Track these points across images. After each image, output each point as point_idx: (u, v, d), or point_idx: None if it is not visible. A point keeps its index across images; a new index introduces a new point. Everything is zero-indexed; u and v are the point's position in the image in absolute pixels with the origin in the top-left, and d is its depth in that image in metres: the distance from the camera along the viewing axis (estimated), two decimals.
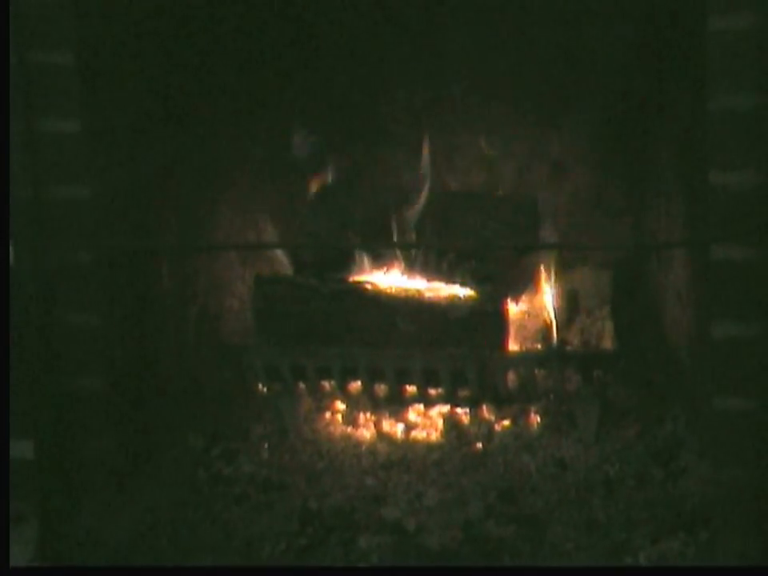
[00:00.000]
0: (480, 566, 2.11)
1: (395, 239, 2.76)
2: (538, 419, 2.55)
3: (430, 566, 2.12)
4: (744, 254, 2.01)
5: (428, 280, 2.70)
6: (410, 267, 2.72)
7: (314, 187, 2.87)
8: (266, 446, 2.54)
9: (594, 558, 2.13)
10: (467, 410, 2.58)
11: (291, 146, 2.81)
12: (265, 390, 2.68)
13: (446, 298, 2.62)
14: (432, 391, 2.60)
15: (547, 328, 2.67)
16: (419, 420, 2.60)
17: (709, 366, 2.11)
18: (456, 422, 2.57)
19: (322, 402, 2.64)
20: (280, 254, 2.80)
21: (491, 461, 2.44)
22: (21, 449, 2.22)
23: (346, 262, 2.73)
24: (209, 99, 2.63)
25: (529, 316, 2.74)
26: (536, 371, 2.57)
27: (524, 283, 2.74)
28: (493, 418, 2.57)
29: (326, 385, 2.65)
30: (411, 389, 2.61)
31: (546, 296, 2.72)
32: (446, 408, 2.60)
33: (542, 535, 2.19)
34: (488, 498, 2.31)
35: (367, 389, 2.63)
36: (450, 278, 2.67)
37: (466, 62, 2.78)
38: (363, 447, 2.53)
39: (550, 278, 2.72)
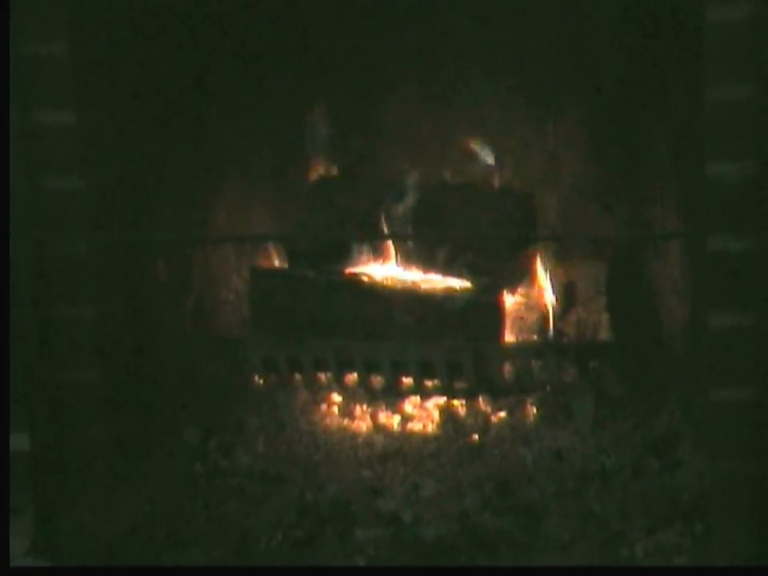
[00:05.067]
0: (476, 566, 2.11)
1: (391, 231, 2.75)
2: (535, 411, 2.55)
3: (429, 567, 2.12)
4: (740, 245, 2.01)
5: (424, 272, 2.69)
6: (406, 259, 2.72)
7: (309, 179, 2.87)
8: (263, 438, 2.54)
9: (589, 549, 2.13)
10: (463, 402, 2.58)
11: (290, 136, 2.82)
12: (261, 382, 2.68)
13: (442, 290, 2.62)
14: (428, 383, 2.61)
15: (543, 319, 2.67)
16: (415, 412, 2.60)
17: (705, 357, 2.11)
18: (452, 413, 2.57)
19: (319, 394, 2.64)
20: (276, 245, 2.80)
21: (487, 452, 2.44)
22: (16, 441, 2.21)
23: (342, 254, 2.72)
24: (203, 90, 2.63)
25: (525, 307, 2.73)
26: (532, 363, 2.57)
27: (520, 275, 2.73)
28: (489, 409, 2.56)
29: (322, 377, 2.65)
30: (407, 380, 2.62)
31: (542, 287, 2.72)
32: (442, 400, 2.60)
33: (538, 526, 2.19)
34: (484, 489, 2.31)
35: (363, 380, 2.63)
36: (446, 270, 2.66)
37: (461, 53, 2.77)
38: (359, 439, 2.52)
39: (546, 270, 2.72)
